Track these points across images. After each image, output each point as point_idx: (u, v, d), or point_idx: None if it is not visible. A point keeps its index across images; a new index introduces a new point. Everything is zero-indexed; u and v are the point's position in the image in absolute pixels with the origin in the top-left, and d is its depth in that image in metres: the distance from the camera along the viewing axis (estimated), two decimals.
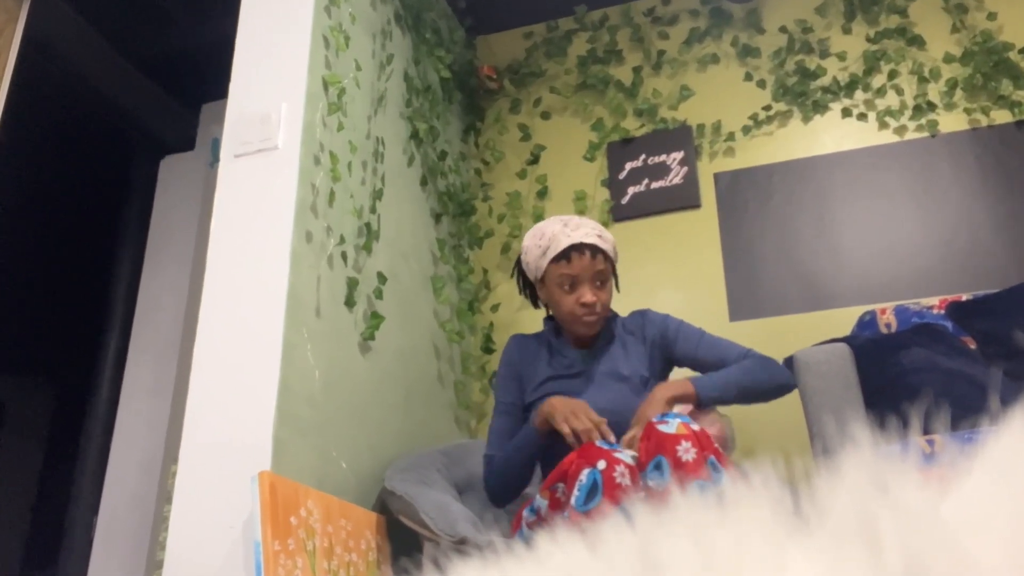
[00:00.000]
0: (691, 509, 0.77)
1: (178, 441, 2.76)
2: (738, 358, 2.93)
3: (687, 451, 2.28)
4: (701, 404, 2.80)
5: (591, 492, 2.31)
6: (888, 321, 3.53)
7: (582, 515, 2.29)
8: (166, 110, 5.21)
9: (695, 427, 2.36)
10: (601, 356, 2.98)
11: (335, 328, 3.11)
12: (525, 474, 2.83)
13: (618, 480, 2.30)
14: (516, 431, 2.95)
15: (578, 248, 2.85)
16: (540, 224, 3.00)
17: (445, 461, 3.32)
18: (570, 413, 2.64)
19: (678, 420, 2.37)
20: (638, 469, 2.35)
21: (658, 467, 2.30)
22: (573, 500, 2.33)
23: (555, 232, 2.90)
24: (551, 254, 2.88)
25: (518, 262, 3.08)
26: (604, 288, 2.91)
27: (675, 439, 2.31)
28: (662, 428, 2.35)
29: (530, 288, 3.09)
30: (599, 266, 2.86)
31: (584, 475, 2.34)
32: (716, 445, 2.37)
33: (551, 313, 3.07)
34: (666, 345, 2.99)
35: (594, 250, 2.85)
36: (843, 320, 4.01)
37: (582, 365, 2.96)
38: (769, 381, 2.88)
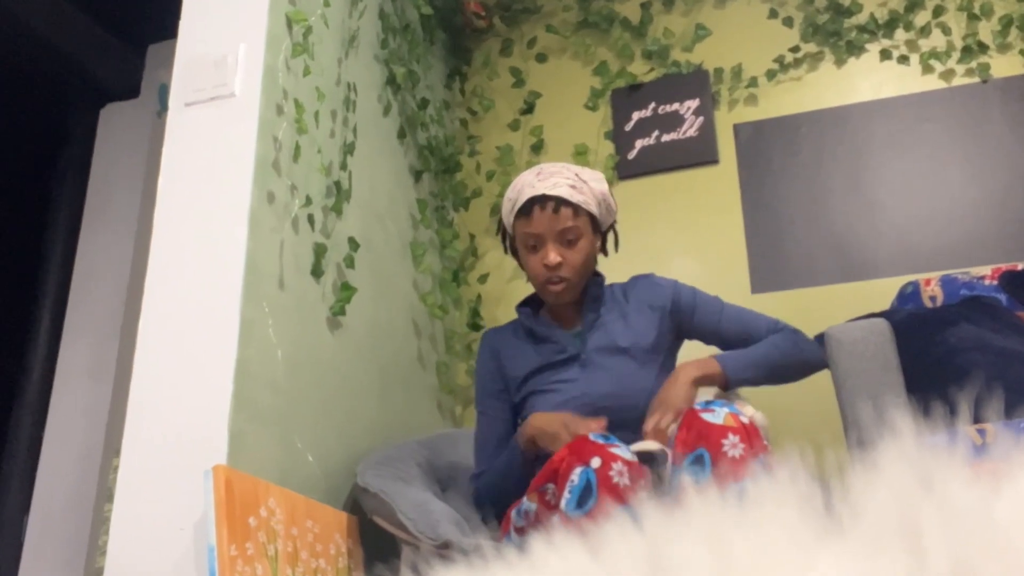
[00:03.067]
0: (706, 509, 0.77)
1: (120, 431, 2.75)
2: (768, 331, 2.92)
3: (734, 446, 2.25)
4: (729, 386, 2.79)
5: (584, 494, 2.28)
6: (933, 293, 3.52)
7: (574, 520, 2.27)
8: (107, 52, 5.17)
9: (744, 419, 2.33)
10: (593, 331, 2.96)
11: (300, 302, 3.11)
12: (519, 493, 2.80)
13: (615, 480, 2.27)
14: (503, 438, 2.95)
15: (539, 201, 2.83)
16: (522, 174, 2.98)
17: (426, 454, 3.32)
18: (558, 432, 2.63)
19: (726, 410, 2.34)
20: (674, 461, 2.34)
21: (698, 460, 2.27)
22: (563, 503, 2.30)
23: (524, 183, 2.89)
24: (515, 208, 2.88)
25: (500, 220, 3.07)
26: (574, 247, 2.87)
27: (722, 431, 2.28)
28: (707, 417, 2.33)
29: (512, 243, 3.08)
30: (566, 222, 2.83)
31: (576, 474, 2.31)
32: (766, 442, 2.35)
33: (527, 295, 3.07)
34: (679, 315, 2.98)
35: (559, 203, 2.82)
36: (881, 292, 4.01)
37: (574, 347, 2.95)
38: (800, 358, 2.88)
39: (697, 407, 2.38)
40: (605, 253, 3.05)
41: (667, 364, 2.95)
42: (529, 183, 2.87)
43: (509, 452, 2.81)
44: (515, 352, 3.02)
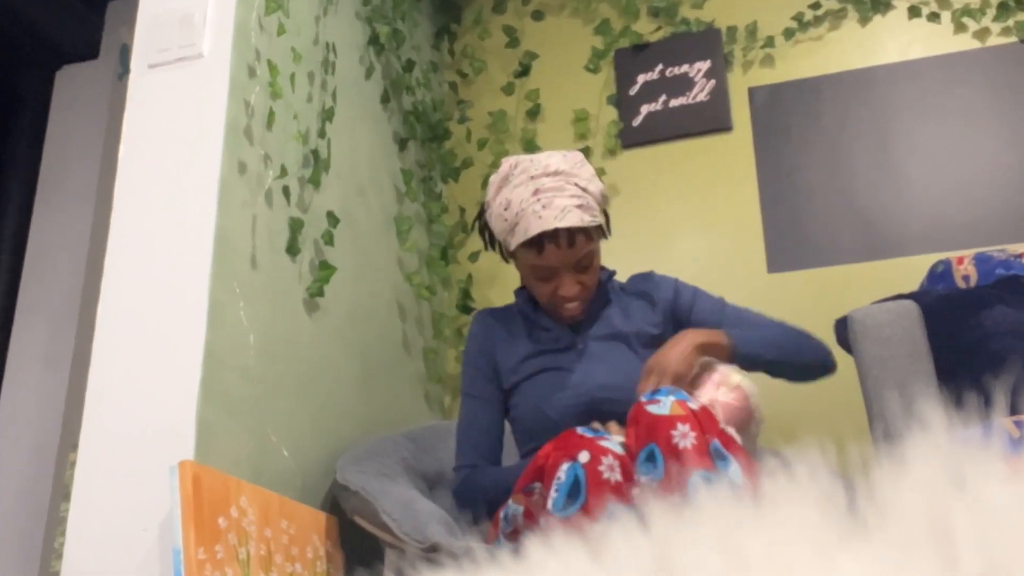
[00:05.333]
0: (718, 509, 0.77)
1: (78, 423, 2.75)
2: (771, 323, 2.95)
3: (684, 436, 2.25)
4: (735, 359, 2.80)
5: (572, 492, 2.28)
6: (966, 272, 3.52)
7: (562, 521, 2.27)
8: (63, 9, 5.16)
9: (693, 405, 2.34)
10: (594, 322, 2.98)
11: (274, 282, 3.11)
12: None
13: (605, 475, 2.27)
14: (492, 426, 2.95)
15: (551, 237, 2.79)
16: (504, 177, 2.93)
17: (412, 448, 3.33)
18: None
19: (672, 398, 2.34)
20: (628, 459, 2.34)
21: (650, 458, 2.27)
22: (550, 503, 2.30)
23: (523, 207, 2.81)
24: (520, 237, 2.82)
25: (480, 213, 3.06)
26: (588, 271, 2.88)
27: (669, 422, 2.28)
28: (652, 409, 2.33)
29: (499, 244, 3.07)
30: (580, 252, 2.82)
31: (563, 471, 2.32)
32: (723, 426, 2.36)
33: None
34: (679, 311, 3.01)
35: (573, 235, 2.79)
36: (910, 271, 4.01)
37: (571, 336, 2.97)
38: (811, 355, 2.90)
39: (643, 399, 2.38)
40: (607, 236, 3.06)
41: None
42: (533, 211, 2.79)
43: (517, 472, 2.80)
44: (510, 336, 3.02)
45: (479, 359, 3.05)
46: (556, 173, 2.83)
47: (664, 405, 2.32)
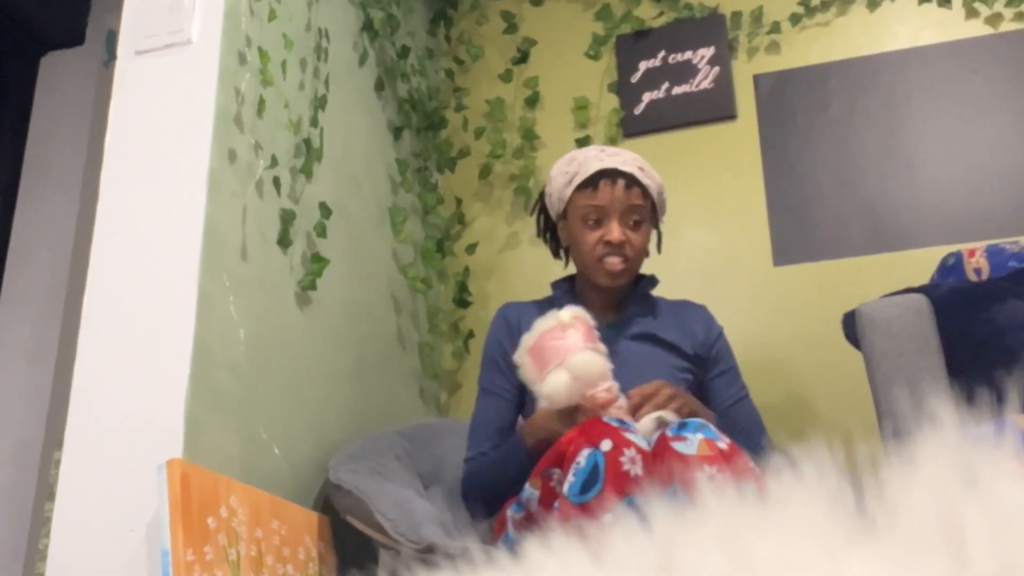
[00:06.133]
0: (723, 509, 0.77)
1: (63, 420, 2.75)
2: (754, 444, 2.98)
3: (711, 478, 2.25)
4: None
5: (590, 478, 2.30)
6: (978, 265, 3.52)
7: (576, 507, 2.28)
8: None
9: (722, 444, 2.35)
10: (630, 325, 2.99)
11: (265, 274, 3.11)
12: (514, 491, 2.82)
13: (625, 467, 2.29)
14: (505, 423, 2.97)
15: (610, 175, 2.91)
16: (575, 151, 3.06)
17: (407, 446, 3.33)
18: (570, 414, 2.64)
19: (700, 436, 2.36)
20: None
21: (672, 499, 2.26)
22: (566, 487, 2.32)
23: (588, 157, 2.97)
24: (577, 180, 2.94)
25: (541, 196, 3.15)
26: (638, 230, 2.95)
27: (696, 462, 2.30)
28: (678, 447, 2.34)
29: (552, 230, 3.15)
30: (634, 200, 2.92)
31: (583, 457, 2.33)
32: (752, 465, 2.36)
33: (565, 274, 3.09)
34: (707, 361, 3.08)
35: (630, 180, 2.91)
36: (920, 264, 4.00)
37: (604, 333, 2.94)
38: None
39: (669, 433, 2.39)
40: (659, 251, 3.13)
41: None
42: (595, 156, 2.96)
43: (511, 446, 2.82)
44: None
45: (497, 355, 3.08)
46: (626, 151, 3.02)
47: (691, 444, 2.33)
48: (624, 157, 2.95)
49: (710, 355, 3.04)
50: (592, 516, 2.21)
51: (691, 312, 3.13)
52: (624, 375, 2.78)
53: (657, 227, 3.12)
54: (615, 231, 2.90)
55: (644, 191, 2.94)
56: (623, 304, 3.06)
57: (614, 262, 2.91)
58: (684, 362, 2.97)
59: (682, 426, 2.40)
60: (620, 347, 2.94)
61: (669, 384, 2.71)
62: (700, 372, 3.03)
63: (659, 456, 2.35)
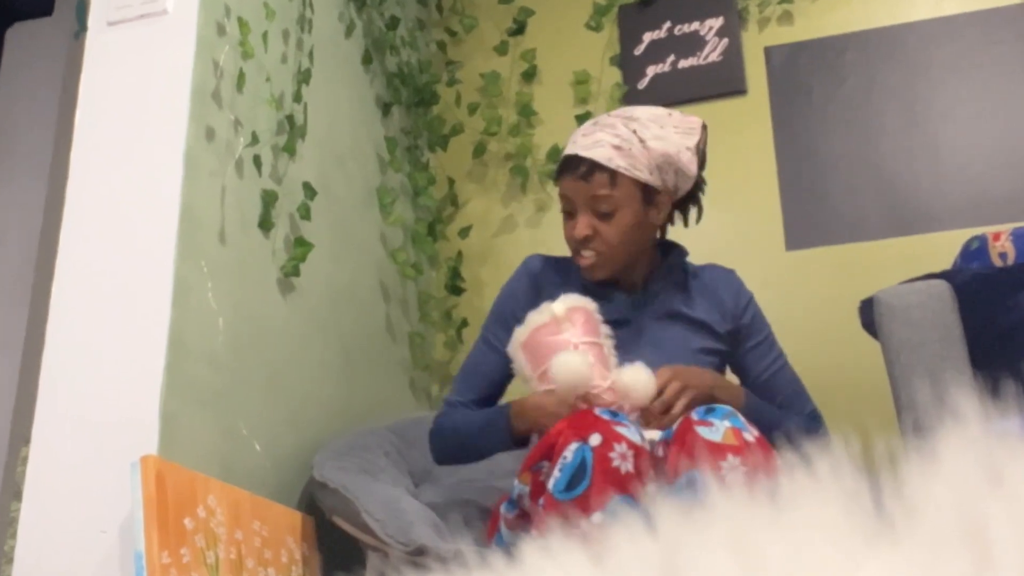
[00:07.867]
0: (732, 509, 0.77)
1: (30, 415, 2.76)
2: (799, 412, 2.97)
3: (733, 468, 2.26)
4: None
5: (576, 475, 2.29)
6: (1003, 250, 3.52)
7: (562, 505, 2.28)
8: None
9: (749, 435, 2.35)
10: (655, 299, 2.98)
11: (245, 260, 3.11)
12: (480, 459, 2.88)
13: (615, 463, 2.28)
14: (496, 375, 2.96)
15: (569, 164, 2.86)
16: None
17: (396, 442, 3.33)
18: (566, 401, 2.63)
19: (727, 424, 2.35)
20: (646, 451, 2.35)
21: (690, 484, 2.27)
22: (551, 483, 2.32)
23: (574, 135, 2.93)
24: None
25: None
26: (609, 220, 2.86)
27: (719, 451, 2.29)
28: (703, 432, 2.33)
29: None
30: (597, 190, 2.82)
31: (570, 452, 2.32)
32: (775, 456, 2.36)
33: None
34: (738, 334, 3.04)
35: (591, 167, 2.82)
36: (942, 248, 4.01)
37: (628, 311, 2.96)
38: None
39: (694, 416, 2.39)
40: (671, 223, 3.07)
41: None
42: (574, 137, 2.90)
43: (494, 423, 2.81)
44: (564, 287, 2.97)
45: (509, 304, 3.05)
46: (628, 118, 2.88)
47: (717, 430, 2.33)
48: (601, 135, 2.83)
49: (741, 324, 3.00)
50: (579, 514, 2.21)
51: (720, 279, 3.08)
52: (647, 356, 2.76)
53: (676, 200, 2.99)
54: (578, 225, 2.85)
55: (612, 176, 2.81)
56: (649, 278, 3.03)
57: (583, 257, 2.89)
58: (712, 342, 2.95)
59: (709, 410, 2.39)
60: (643, 325, 2.93)
61: (679, 374, 2.69)
62: (732, 346, 3.01)
63: (680, 438, 2.35)
